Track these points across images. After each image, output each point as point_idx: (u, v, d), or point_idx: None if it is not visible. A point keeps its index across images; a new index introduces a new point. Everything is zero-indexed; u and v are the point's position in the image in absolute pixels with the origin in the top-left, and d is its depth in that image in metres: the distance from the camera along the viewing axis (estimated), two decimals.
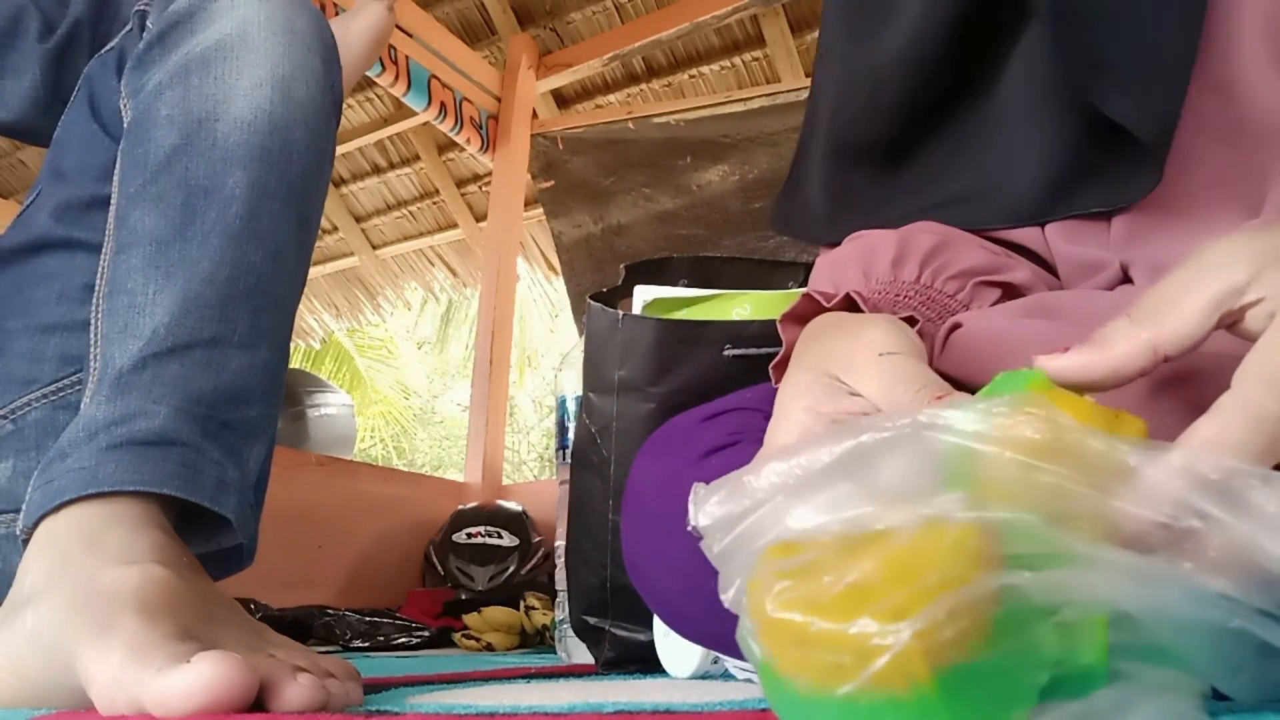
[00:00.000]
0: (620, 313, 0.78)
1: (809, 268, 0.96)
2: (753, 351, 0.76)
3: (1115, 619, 0.26)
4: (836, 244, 0.61)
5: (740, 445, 0.55)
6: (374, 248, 3.09)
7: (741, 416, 0.60)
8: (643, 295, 0.82)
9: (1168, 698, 0.26)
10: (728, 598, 0.30)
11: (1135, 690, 0.26)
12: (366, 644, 1.37)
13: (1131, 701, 0.25)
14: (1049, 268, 0.56)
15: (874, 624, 0.23)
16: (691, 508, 0.31)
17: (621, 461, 0.79)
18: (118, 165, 0.60)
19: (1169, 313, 0.31)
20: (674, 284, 0.88)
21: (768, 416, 0.60)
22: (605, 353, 0.80)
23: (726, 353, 0.76)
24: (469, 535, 1.84)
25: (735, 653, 0.61)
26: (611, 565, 0.81)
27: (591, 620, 0.85)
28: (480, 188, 2.82)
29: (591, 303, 0.81)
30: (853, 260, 0.57)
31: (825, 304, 0.46)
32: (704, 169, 2.26)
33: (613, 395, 0.80)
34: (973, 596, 0.24)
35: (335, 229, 3.06)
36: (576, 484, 0.86)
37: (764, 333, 0.77)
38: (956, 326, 0.47)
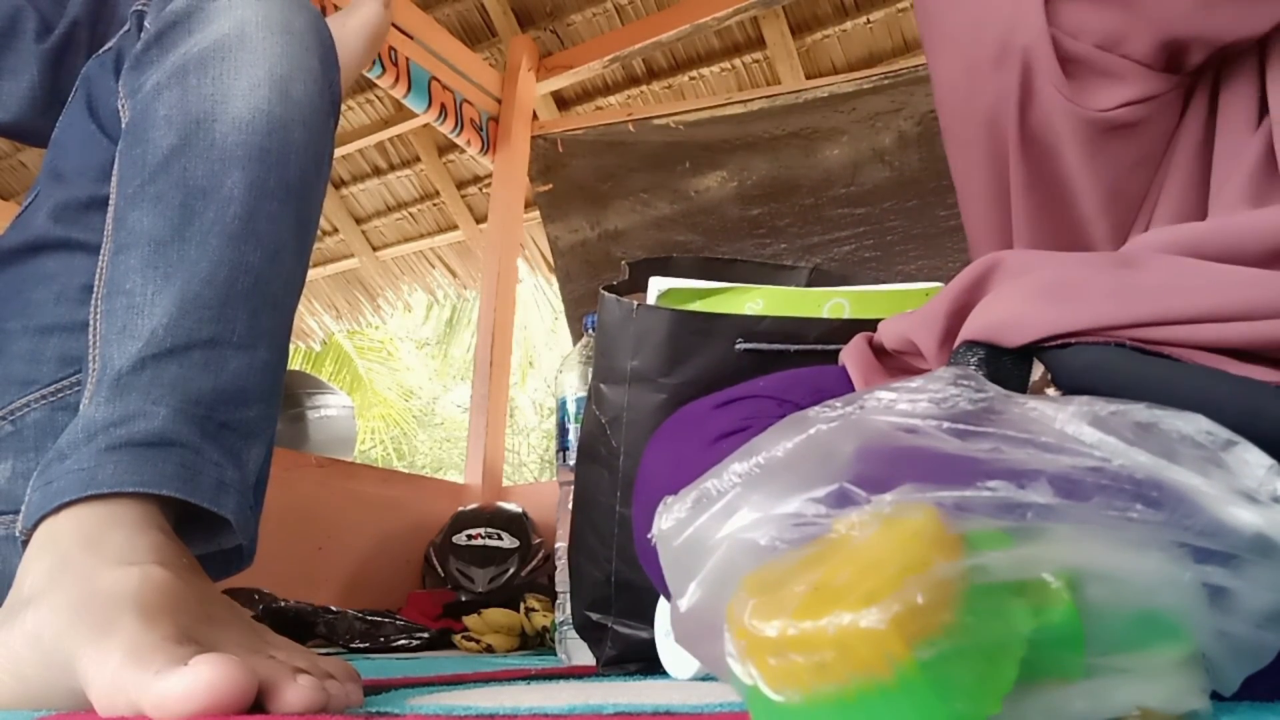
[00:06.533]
0: (635, 303, 0.79)
1: (810, 272, 0.97)
2: (764, 347, 0.76)
3: (1090, 580, 0.26)
4: None
5: (751, 431, 0.55)
6: (374, 249, 3.09)
7: (754, 404, 0.62)
8: (657, 286, 0.82)
9: (1168, 678, 0.26)
10: (684, 601, 0.31)
11: (1134, 674, 0.26)
12: (366, 645, 1.37)
13: (1131, 682, 0.26)
14: None
15: (848, 614, 0.24)
16: (657, 519, 0.32)
17: (631, 453, 0.79)
18: (116, 166, 0.60)
19: None
20: None
21: (780, 403, 0.62)
22: (619, 343, 0.80)
23: (738, 347, 0.76)
24: (469, 537, 1.84)
25: None
26: (617, 559, 0.81)
27: (594, 616, 0.85)
28: (481, 189, 2.82)
29: (605, 294, 0.82)
30: None
31: None
32: (702, 174, 2.26)
33: (625, 386, 0.80)
34: (939, 577, 0.24)
35: (335, 230, 3.06)
36: (582, 477, 0.86)
37: (775, 329, 0.77)
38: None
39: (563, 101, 2.63)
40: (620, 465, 0.80)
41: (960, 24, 0.59)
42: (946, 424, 0.28)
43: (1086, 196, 0.57)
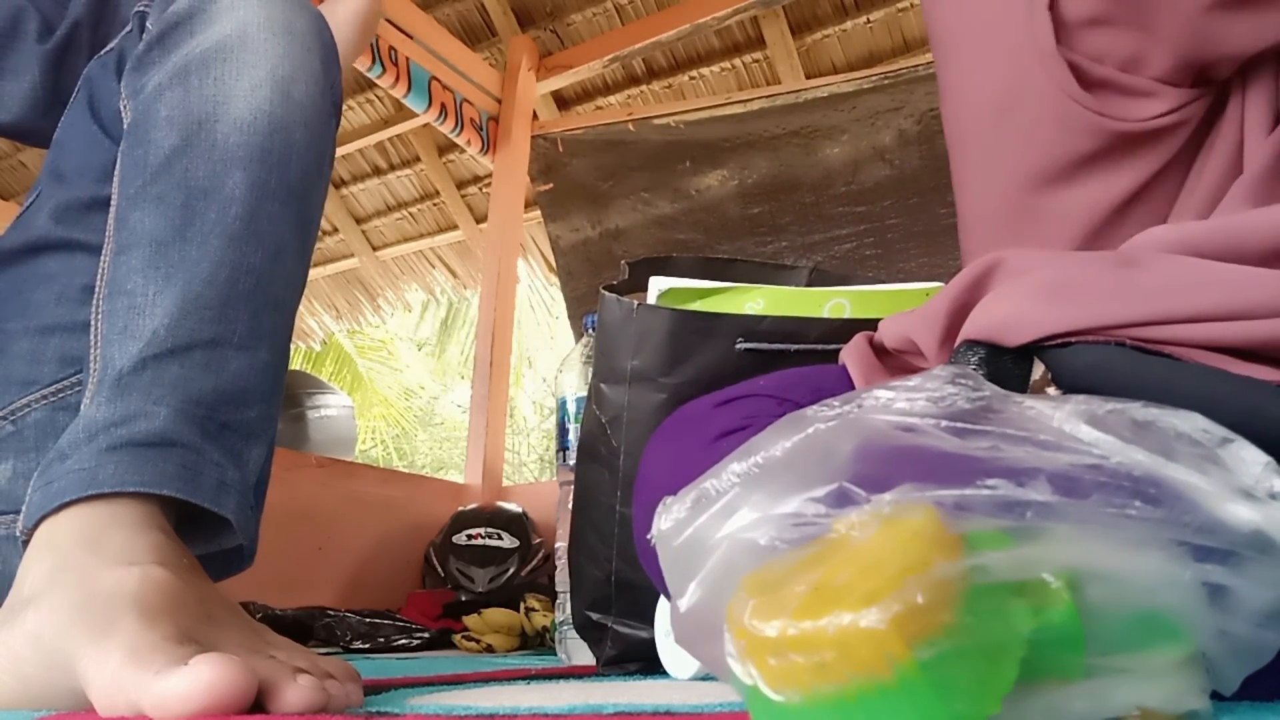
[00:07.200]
0: (636, 302, 0.79)
1: (810, 272, 0.97)
2: (764, 347, 0.76)
3: (1090, 580, 0.26)
4: None
5: (751, 430, 0.55)
6: (374, 249, 3.09)
7: (754, 403, 0.62)
8: (657, 285, 0.82)
9: (1168, 678, 0.26)
10: (683, 602, 0.31)
11: (1134, 674, 0.26)
12: (367, 645, 1.37)
13: (1131, 682, 0.26)
14: None
15: (848, 614, 0.24)
16: (656, 519, 0.32)
17: (631, 452, 0.79)
18: (117, 166, 0.60)
19: None
20: None
21: (780, 402, 0.62)
22: (619, 342, 0.80)
23: (739, 346, 0.76)
24: (469, 537, 1.84)
25: None
26: (617, 559, 0.81)
27: (595, 616, 0.85)
28: (481, 189, 2.82)
29: (605, 293, 0.82)
30: None
31: None
32: (703, 173, 2.26)
33: (625, 385, 0.80)
34: (940, 577, 0.24)
35: (336, 230, 3.06)
36: (582, 476, 0.86)
37: (776, 328, 0.77)
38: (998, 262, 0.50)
39: (563, 101, 2.63)
40: (620, 465, 0.80)
41: (972, 54, 0.59)
42: (945, 422, 0.28)
43: (1115, 194, 0.57)
